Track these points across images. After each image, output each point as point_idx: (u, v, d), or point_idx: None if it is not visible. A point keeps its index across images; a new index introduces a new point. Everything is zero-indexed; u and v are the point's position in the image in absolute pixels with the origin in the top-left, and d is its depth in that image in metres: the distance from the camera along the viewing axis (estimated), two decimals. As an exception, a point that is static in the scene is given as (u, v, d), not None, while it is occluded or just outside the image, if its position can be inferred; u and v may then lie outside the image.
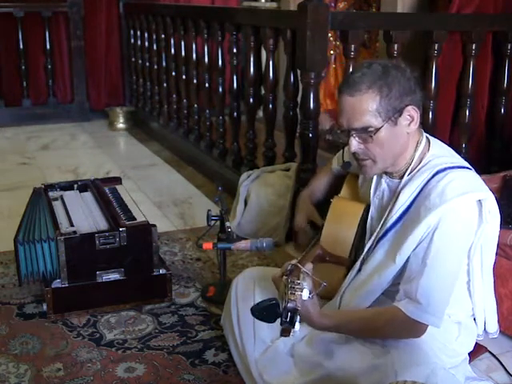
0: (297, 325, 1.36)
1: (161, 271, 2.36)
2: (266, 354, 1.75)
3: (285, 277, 1.47)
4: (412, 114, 1.56)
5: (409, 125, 1.58)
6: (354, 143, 1.58)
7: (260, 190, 2.92)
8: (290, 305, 1.36)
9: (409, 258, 1.57)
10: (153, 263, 2.34)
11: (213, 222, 2.33)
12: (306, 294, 1.40)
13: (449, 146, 1.72)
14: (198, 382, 1.90)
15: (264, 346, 1.77)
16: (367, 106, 1.53)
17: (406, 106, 1.55)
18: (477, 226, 1.58)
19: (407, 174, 1.63)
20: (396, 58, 2.83)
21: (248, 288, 1.89)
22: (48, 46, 5.58)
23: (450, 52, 3.14)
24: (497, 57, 3.24)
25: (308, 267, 1.54)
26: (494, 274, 1.73)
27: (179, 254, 2.81)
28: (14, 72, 5.55)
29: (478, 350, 1.90)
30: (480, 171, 1.74)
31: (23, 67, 5.52)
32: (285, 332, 1.38)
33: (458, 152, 1.73)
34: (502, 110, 3.27)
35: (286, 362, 1.70)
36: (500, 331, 1.80)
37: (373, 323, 1.59)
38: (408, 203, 1.60)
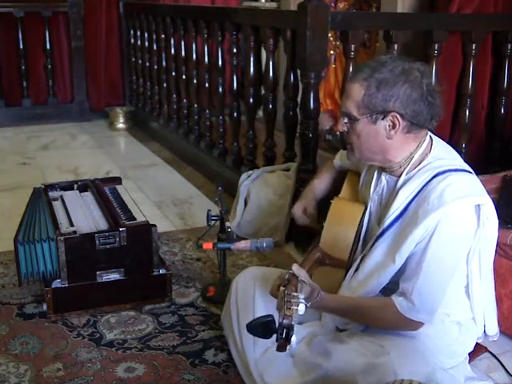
0: (293, 339, 1.35)
1: (161, 271, 2.36)
2: (266, 354, 1.75)
3: (282, 288, 1.46)
4: (395, 121, 1.57)
5: (389, 130, 1.58)
6: (342, 123, 1.65)
7: (260, 190, 2.92)
8: (285, 321, 1.35)
9: (408, 257, 1.59)
10: (153, 263, 2.34)
11: (213, 222, 2.33)
12: (302, 309, 1.39)
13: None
14: (198, 382, 1.90)
15: (264, 346, 1.77)
16: (353, 96, 1.60)
17: (391, 111, 1.56)
18: (474, 230, 1.59)
19: (405, 173, 1.64)
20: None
21: (248, 288, 1.89)
22: (48, 46, 5.58)
23: (450, 52, 3.13)
24: (497, 57, 3.23)
25: (302, 273, 1.53)
26: (494, 274, 1.73)
27: (179, 254, 2.81)
28: (14, 72, 5.55)
29: (477, 350, 1.90)
30: (480, 171, 1.74)
31: (23, 67, 5.52)
32: (280, 347, 1.37)
33: (458, 152, 1.73)
34: (502, 110, 3.26)
35: (285, 362, 1.70)
36: (500, 331, 1.80)
37: (370, 315, 1.64)
38: (406, 203, 1.61)
